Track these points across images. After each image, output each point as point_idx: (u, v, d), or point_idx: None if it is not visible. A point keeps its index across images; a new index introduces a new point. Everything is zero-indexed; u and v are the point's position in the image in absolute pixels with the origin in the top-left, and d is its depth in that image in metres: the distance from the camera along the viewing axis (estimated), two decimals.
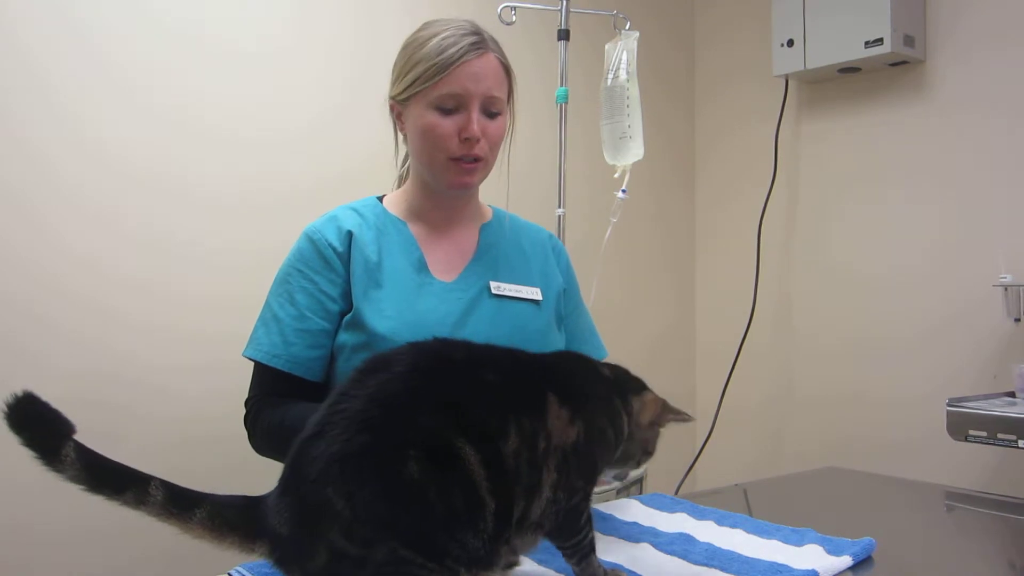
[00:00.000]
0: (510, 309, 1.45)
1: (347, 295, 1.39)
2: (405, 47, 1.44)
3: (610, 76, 2.13)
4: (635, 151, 2.10)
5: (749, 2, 3.06)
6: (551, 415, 0.94)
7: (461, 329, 1.38)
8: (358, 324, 1.36)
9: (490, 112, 1.40)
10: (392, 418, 0.86)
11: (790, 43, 2.73)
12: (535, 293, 1.49)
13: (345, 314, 1.39)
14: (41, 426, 0.77)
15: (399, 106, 1.45)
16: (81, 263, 1.91)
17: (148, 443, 1.97)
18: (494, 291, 1.44)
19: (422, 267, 1.43)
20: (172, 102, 2.03)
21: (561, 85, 2.23)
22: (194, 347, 2.04)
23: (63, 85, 1.90)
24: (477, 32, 1.41)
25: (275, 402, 1.37)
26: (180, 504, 0.81)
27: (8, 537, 1.79)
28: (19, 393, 0.76)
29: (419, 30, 1.43)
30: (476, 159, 1.40)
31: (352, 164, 2.26)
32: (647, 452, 1.12)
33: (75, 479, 0.77)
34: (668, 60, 3.23)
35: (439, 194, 1.47)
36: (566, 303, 1.59)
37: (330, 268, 1.40)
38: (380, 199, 1.53)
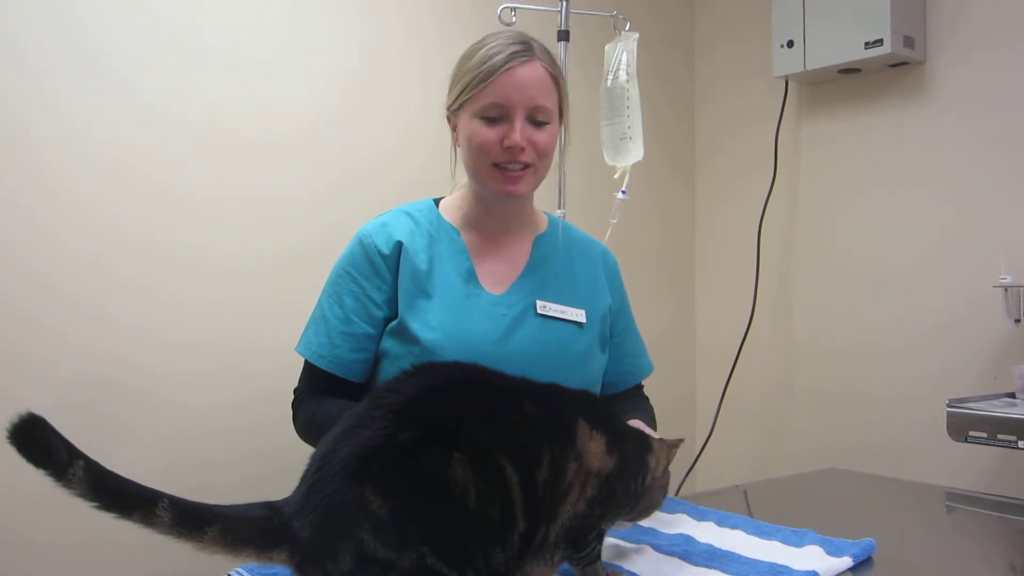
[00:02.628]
0: (554, 329, 1.44)
1: (393, 302, 1.40)
2: (459, 59, 1.44)
3: (610, 77, 2.13)
4: (635, 152, 2.10)
5: (749, 3, 3.06)
6: (584, 444, 0.95)
7: (505, 345, 1.38)
8: (403, 332, 1.37)
9: (536, 121, 1.39)
10: (437, 421, 0.86)
11: (790, 44, 2.73)
12: (580, 315, 1.48)
13: (390, 320, 1.40)
14: (47, 445, 0.76)
15: (453, 117, 1.45)
16: (80, 267, 1.90)
17: (148, 445, 1.97)
18: (539, 311, 1.43)
19: (471, 278, 1.43)
20: (171, 105, 2.03)
21: None
22: (194, 351, 2.03)
23: (62, 87, 1.89)
24: (525, 42, 1.40)
25: (316, 396, 1.42)
26: (191, 523, 0.80)
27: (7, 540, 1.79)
28: (24, 414, 0.76)
29: (474, 43, 1.43)
30: (524, 166, 1.38)
31: (353, 167, 2.26)
32: (656, 506, 1.14)
33: (84, 497, 0.76)
34: (668, 61, 3.23)
35: (490, 203, 1.47)
36: (615, 321, 1.59)
37: (377, 274, 1.42)
38: (437, 202, 1.53)
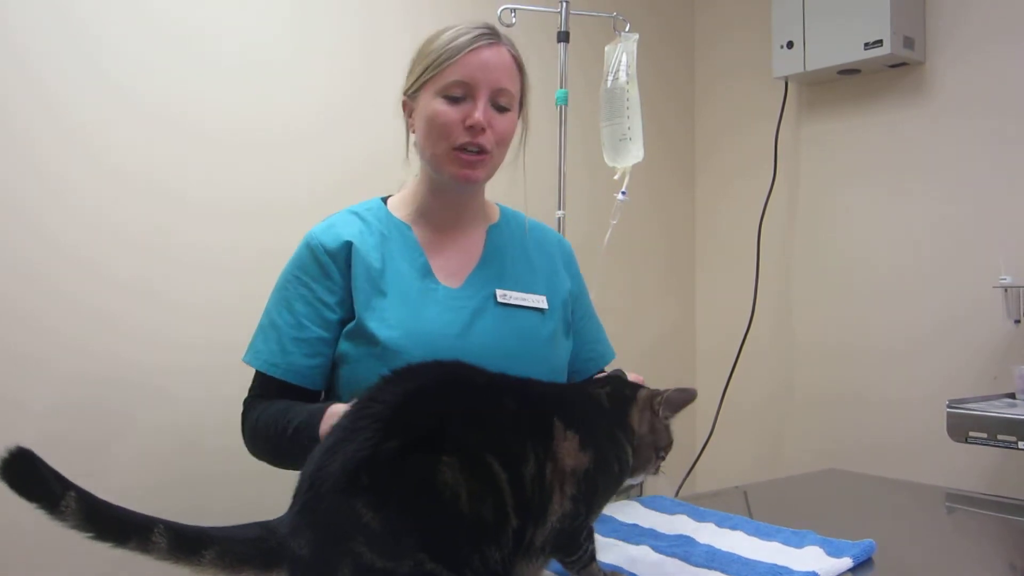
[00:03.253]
0: (516, 318, 1.42)
1: (345, 303, 1.37)
2: (421, 45, 1.42)
3: (610, 78, 2.13)
4: (635, 153, 2.10)
5: (749, 4, 3.07)
6: (559, 444, 0.94)
7: (466, 338, 1.35)
8: (360, 333, 1.34)
9: (499, 105, 1.37)
10: (421, 426, 0.86)
11: (790, 45, 2.73)
12: (541, 301, 1.46)
13: (345, 322, 1.37)
14: (38, 479, 0.75)
15: (410, 102, 1.43)
16: (80, 267, 1.90)
17: (149, 446, 1.97)
18: (500, 299, 1.41)
19: (427, 273, 1.40)
20: (171, 105, 2.03)
21: (561, 87, 2.22)
22: (194, 351, 2.03)
23: (62, 88, 1.89)
24: (491, 27, 1.40)
25: (264, 402, 1.37)
26: (188, 547, 0.79)
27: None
28: (13, 448, 0.75)
29: (437, 30, 1.41)
30: (481, 151, 1.36)
31: (353, 167, 2.26)
32: (663, 449, 1.11)
33: (77, 528, 0.75)
34: (668, 62, 3.23)
35: (446, 192, 1.43)
36: (575, 307, 1.56)
37: (327, 276, 1.38)
38: (385, 200, 1.50)
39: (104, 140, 1.94)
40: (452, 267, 1.43)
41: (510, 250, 1.50)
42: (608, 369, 1.54)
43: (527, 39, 2.64)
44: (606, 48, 2.17)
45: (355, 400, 0.92)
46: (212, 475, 2.01)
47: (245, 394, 1.44)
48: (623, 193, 2.10)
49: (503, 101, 1.38)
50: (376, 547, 0.79)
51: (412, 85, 1.41)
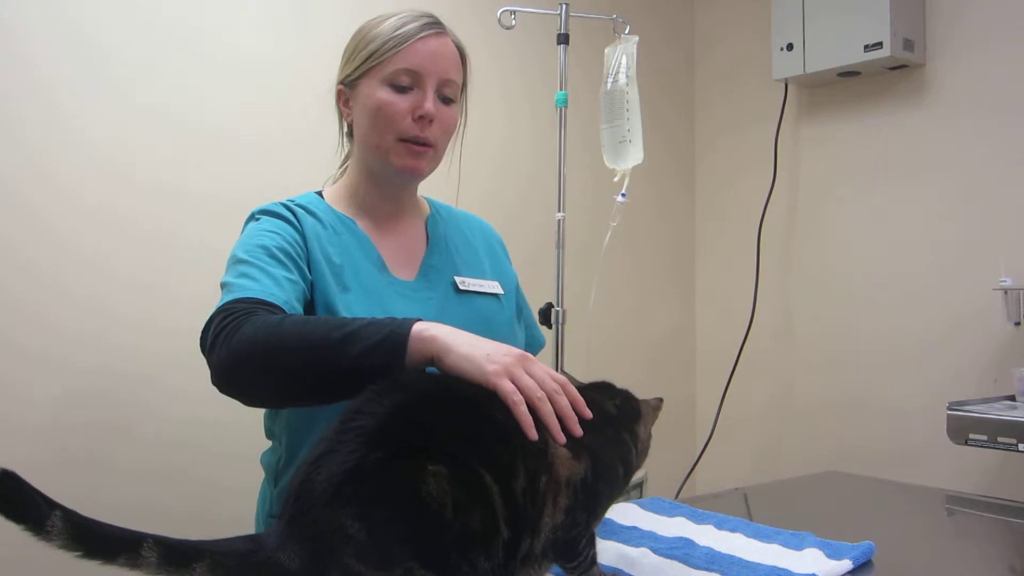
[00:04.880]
0: (477, 305, 1.39)
1: (306, 279, 1.25)
2: (357, 32, 1.38)
3: (610, 80, 2.13)
4: (635, 155, 2.10)
5: (748, 6, 3.07)
6: (553, 455, 0.94)
7: None
8: None
9: (444, 96, 1.34)
10: (410, 438, 0.86)
11: (789, 47, 2.73)
12: (496, 287, 1.44)
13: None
14: (23, 500, 0.73)
15: (347, 91, 1.38)
16: (83, 263, 1.91)
17: (150, 443, 1.97)
18: (460, 287, 1.38)
19: (383, 267, 1.35)
20: (171, 103, 2.04)
21: (561, 89, 2.23)
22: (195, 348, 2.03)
23: (61, 85, 1.90)
24: (434, 17, 1.36)
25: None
26: (178, 561, 0.77)
27: None
28: None
29: (373, 19, 1.37)
30: (426, 144, 1.32)
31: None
32: (645, 455, 1.13)
33: (65, 547, 0.74)
34: (668, 64, 3.23)
35: (386, 184, 1.39)
36: (518, 296, 1.55)
37: (303, 237, 1.28)
38: (319, 194, 1.43)
39: (104, 139, 1.95)
40: (400, 260, 1.38)
41: (451, 239, 1.46)
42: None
43: (527, 41, 2.66)
44: (606, 50, 2.17)
45: (341, 414, 0.91)
46: (213, 472, 2.01)
47: None
48: (623, 195, 2.10)
49: (448, 92, 1.34)
50: (365, 558, 0.79)
51: (352, 73, 1.36)
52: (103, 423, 1.93)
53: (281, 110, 2.21)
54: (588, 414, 0.97)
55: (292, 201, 1.35)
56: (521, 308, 1.54)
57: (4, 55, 1.83)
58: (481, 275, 1.44)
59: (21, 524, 0.73)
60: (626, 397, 1.12)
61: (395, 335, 0.98)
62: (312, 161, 2.23)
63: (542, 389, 0.94)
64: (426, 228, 1.46)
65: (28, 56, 1.86)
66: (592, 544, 1.00)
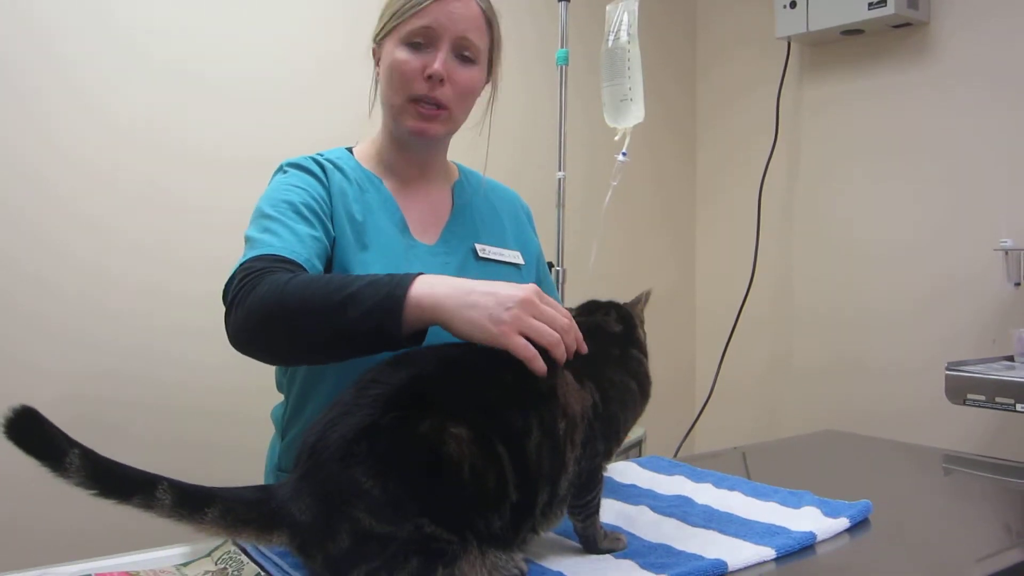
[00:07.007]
0: (497, 273, 1.38)
1: (329, 236, 1.25)
2: None
3: (611, 38, 2.10)
4: (636, 113, 2.08)
5: None
6: (566, 394, 0.95)
7: None
8: None
9: (463, 55, 1.31)
10: (426, 403, 0.87)
11: (792, 5, 2.70)
12: (516, 257, 1.43)
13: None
14: (42, 436, 0.75)
15: (379, 50, 1.36)
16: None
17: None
18: (480, 254, 1.37)
19: (404, 228, 1.34)
20: (181, 61, 2.03)
21: (561, 47, 2.20)
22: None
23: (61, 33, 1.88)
24: None
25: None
26: (191, 505, 0.79)
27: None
28: (17, 406, 0.75)
29: None
30: (440, 106, 1.29)
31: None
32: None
33: (82, 485, 0.75)
34: (670, 23, 3.19)
35: (405, 145, 1.37)
36: (539, 268, 1.53)
37: (328, 192, 1.27)
38: (350, 151, 1.42)
39: (114, 104, 1.94)
40: (423, 223, 1.37)
41: (477, 206, 1.45)
42: None
43: None
44: (607, 7, 2.14)
45: (356, 382, 0.92)
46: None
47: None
48: (624, 154, 2.08)
49: (468, 52, 1.31)
50: (375, 513, 0.80)
51: (379, 32, 1.34)
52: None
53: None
54: (584, 349, 1.00)
55: (321, 155, 1.35)
56: (541, 280, 1.51)
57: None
58: (503, 244, 1.43)
59: (40, 460, 0.74)
60: (618, 310, 1.13)
61: (391, 299, 0.98)
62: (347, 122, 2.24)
63: (555, 329, 0.96)
64: (452, 193, 1.44)
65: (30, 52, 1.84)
66: (602, 484, 1.01)
